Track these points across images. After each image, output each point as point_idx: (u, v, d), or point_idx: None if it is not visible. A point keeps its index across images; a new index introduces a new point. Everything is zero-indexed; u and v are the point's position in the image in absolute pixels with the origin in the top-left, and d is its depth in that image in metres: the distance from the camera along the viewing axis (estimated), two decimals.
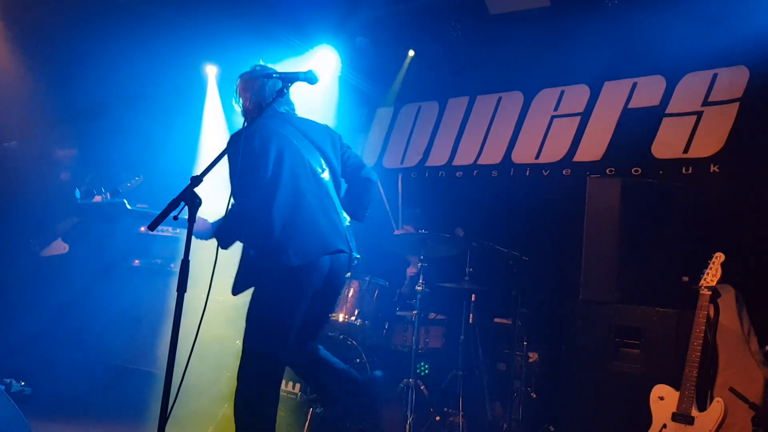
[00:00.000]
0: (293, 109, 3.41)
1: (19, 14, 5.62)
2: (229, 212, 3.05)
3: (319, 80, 2.94)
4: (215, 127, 6.75)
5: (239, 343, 4.83)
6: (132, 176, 5.52)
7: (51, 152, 5.78)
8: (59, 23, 5.80)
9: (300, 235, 3.05)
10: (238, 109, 3.36)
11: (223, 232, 3.12)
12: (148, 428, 4.37)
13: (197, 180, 2.50)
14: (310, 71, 2.91)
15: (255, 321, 3.13)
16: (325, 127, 3.50)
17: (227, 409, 4.62)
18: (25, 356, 5.33)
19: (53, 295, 5.45)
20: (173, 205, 2.43)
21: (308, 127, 3.36)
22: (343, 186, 3.48)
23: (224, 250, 3.08)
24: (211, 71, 6.84)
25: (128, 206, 3.38)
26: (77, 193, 4.79)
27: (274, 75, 2.82)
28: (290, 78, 2.84)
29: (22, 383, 4.92)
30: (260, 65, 3.30)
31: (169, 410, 2.35)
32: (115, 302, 5.53)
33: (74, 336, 5.35)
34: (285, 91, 2.82)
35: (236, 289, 3.18)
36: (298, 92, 3.36)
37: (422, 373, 4.80)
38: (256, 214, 3.02)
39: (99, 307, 5.49)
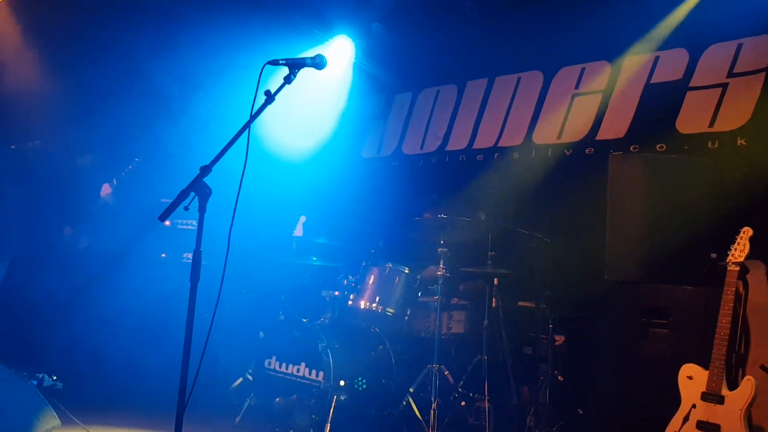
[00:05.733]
0: None
1: (38, 14, 5.69)
2: None
3: (327, 65, 2.89)
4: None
5: (262, 334, 4.89)
6: (132, 161, 5.54)
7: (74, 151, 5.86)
8: (77, 22, 5.87)
9: None
10: None
11: None
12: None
13: (206, 170, 2.49)
14: (318, 55, 2.86)
15: None
16: None
17: (253, 399, 4.65)
18: (57, 351, 5.42)
19: (84, 290, 5.54)
20: (183, 195, 2.43)
21: None
22: None
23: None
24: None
25: None
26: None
27: (280, 61, 2.79)
28: (297, 64, 2.80)
29: (54, 378, 5.00)
30: None
31: (186, 399, 2.36)
32: (142, 296, 5.59)
33: (106, 330, 5.42)
34: (292, 77, 2.79)
35: None
36: (315, 80, 3.28)
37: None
38: None
39: (127, 301, 5.56)
